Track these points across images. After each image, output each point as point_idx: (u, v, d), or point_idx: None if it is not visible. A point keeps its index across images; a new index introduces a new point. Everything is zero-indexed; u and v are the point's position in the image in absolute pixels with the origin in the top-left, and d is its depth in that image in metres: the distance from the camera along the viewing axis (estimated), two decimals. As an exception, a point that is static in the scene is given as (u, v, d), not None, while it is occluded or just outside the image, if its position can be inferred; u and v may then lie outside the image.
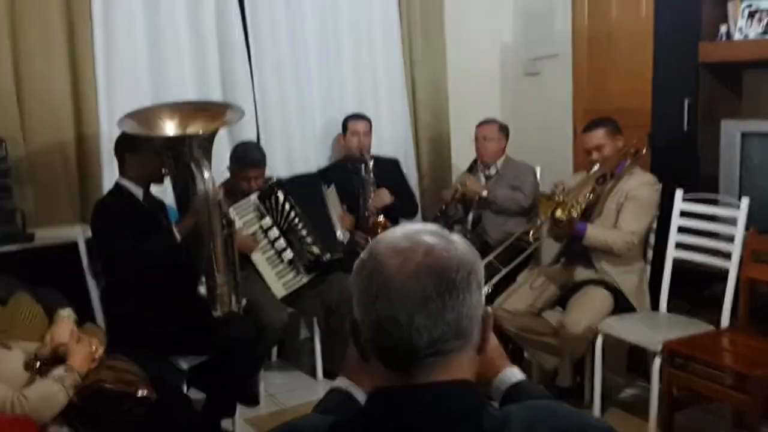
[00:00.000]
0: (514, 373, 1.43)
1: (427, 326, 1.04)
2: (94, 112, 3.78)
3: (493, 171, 4.29)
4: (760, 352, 2.99)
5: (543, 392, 1.43)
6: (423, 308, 1.04)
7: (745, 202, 3.25)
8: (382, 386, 1.10)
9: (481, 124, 4.31)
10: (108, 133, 3.74)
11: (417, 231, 1.12)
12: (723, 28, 3.57)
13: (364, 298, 1.08)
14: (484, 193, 4.16)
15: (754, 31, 3.45)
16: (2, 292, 2.68)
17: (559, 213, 3.33)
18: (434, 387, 1.07)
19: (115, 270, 3.23)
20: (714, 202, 3.43)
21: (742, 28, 3.50)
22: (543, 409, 1.15)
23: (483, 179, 4.31)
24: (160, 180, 3.35)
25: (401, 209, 4.40)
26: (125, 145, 3.22)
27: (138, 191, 3.27)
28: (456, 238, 1.13)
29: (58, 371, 2.25)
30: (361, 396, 1.42)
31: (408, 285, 1.05)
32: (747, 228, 3.22)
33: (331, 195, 4.12)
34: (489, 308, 1.14)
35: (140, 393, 2.33)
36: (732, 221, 3.28)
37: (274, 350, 4.26)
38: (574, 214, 3.33)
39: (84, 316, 2.90)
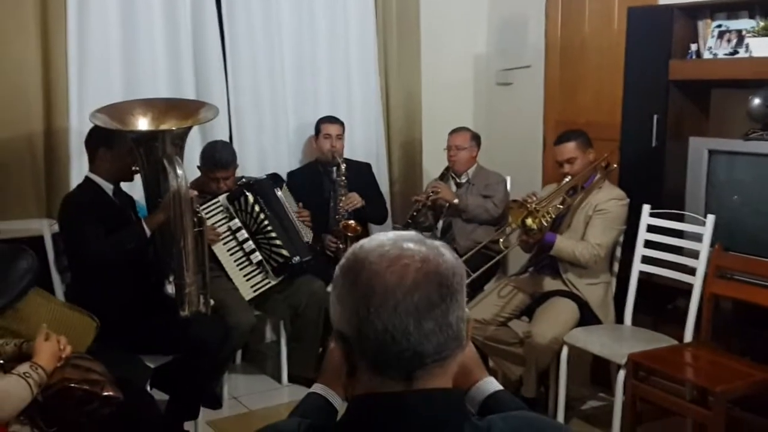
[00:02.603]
0: (491, 383, 1.44)
1: (434, 331, 1.06)
2: (65, 106, 3.73)
3: (464, 179, 4.32)
4: (722, 367, 3.04)
5: (519, 404, 1.43)
6: (429, 314, 1.06)
7: (710, 218, 3.31)
8: (376, 392, 1.09)
9: (453, 133, 4.33)
10: (78, 127, 3.70)
11: (402, 238, 1.12)
12: (693, 47, 3.64)
13: (362, 310, 1.06)
14: (456, 200, 4.18)
15: (723, 50, 3.52)
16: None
17: (529, 221, 3.36)
18: (430, 393, 1.09)
19: (81, 265, 3.18)
20: (680, 218, 3.49)
21: (711, 48, 3.56)
22: (525, 420, 1.16)
23: (454, 187, 4.33)
24: (129, 178, 3.32)
25: (371, 214, 4.40)
26: (98, 140, 3.18)
27: (108, 186, 3.23)
28: (438, 243, 1.14)
29: (23, 367, 2.20)
30: (337, 402, 1.43)
31: (414, 293, 1.05)
32: (712, 244, 3.28)
33: (285, 196, 4.08)
34: (468, 311, 1.14)
35: (106, 393, 2.29)
36: (697, 237, 3.34)
37: (239, 353, 4.23)
38: (545, 224, 3.37)
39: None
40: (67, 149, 3.75)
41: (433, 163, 4.76)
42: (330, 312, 1.15)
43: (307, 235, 4.06)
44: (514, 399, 1.45)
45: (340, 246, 4.17)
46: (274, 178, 4.11)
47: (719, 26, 3.55)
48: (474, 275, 3.63)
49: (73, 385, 2.25)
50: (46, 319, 2.51)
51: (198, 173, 3.85)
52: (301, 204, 4.15)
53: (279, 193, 4.03)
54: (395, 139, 4.87)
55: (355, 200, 4.23)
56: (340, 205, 4.22)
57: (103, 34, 3.84)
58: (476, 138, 4.36)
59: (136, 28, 3.93)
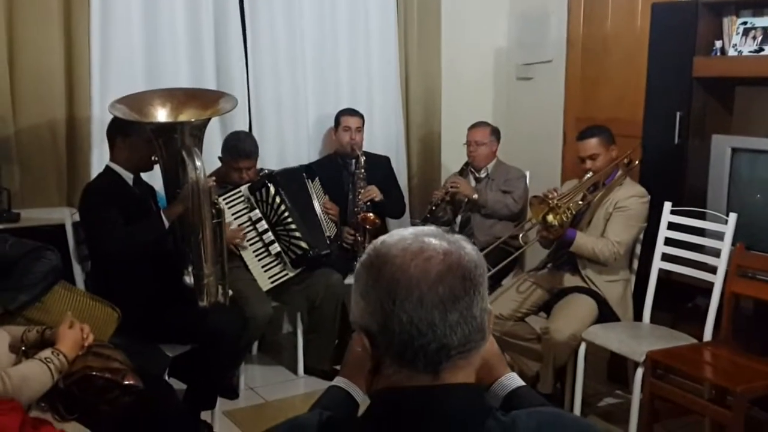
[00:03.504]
0: (514, 379, 1.43)
1: (459, 323, 1.07)
2: (87, 95, 3.75)
3: (483, 174, 4.30)
4: (742, 367, 3.01)
5: (541, 400, 1.43)
6: (454, 306, 1.06)
7: (732, 217, 3.28)
8: (400, 386, 1.10)
9: (473, 128, 4.31)
10: (99, 116, 3.71)
11: (423, 233, 1.13)
12: (718, 44, 3.60)
13: (387, 304, 1.07)
14: (475, 196, 4.17)
15: (748, 48, 3.48)
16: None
17: (550, 217, 3.34)
18: (453, 388, 1.09)
19: (101, 254, 3.19)
20: (701, 216, 3.46)
21: (736, 45, 3.53)
22: (549, 416, 1.16)
23: (473, 182, 4.31)
24: (149, 167, 3.32)
25: (389, 208, 4.39)
26: (117, 129, 3.19)
27: (128, 175, 3.24)
28: (459, 237, 1.15)
29: (45, 353, 2.21)
30: (359, 396, 1.43)
31: (438, 285, 1.06)
32: (733, 243, 3.25)
33: (315, 188, 4.09)
34: (489, 305, 1.14)
35: (127, 382, 2.30)
36: (719, 236, 3.31)
37: (256, 344, 4.24)
38: (565, 220, 3.35)
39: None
40: (89, 138, 3.77)
41: (452, 156, 4.75)
42: (351, 308, 1.15)
43: (330, 230, 4.06)
44: (537, 395, 1.44)
45: (358, 238, 4.17)
46: (307, 170, 4.12)
47: (745, 23, 3.51)
48: (492, 270, 3.62)
49: (94, 373, 2.26)
50: (68, 310, 2.53)
51: (218, 164, 3.86)
52: (327, 197, 4.15)
53: (310, 185, 4.03)
54: (414, 132, 4.87)
55: (373, 192, 4.22)
56: (359, 197, 4.21)
57: (126, 23, 3.85)
58: (496, 133, 4.34)
59: (159, 17, 3.94)
